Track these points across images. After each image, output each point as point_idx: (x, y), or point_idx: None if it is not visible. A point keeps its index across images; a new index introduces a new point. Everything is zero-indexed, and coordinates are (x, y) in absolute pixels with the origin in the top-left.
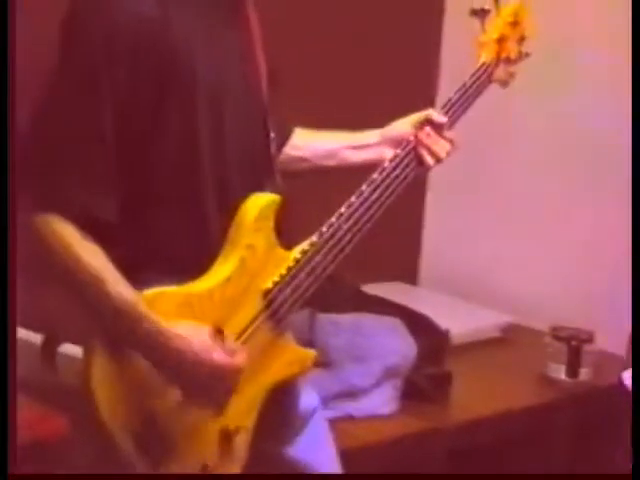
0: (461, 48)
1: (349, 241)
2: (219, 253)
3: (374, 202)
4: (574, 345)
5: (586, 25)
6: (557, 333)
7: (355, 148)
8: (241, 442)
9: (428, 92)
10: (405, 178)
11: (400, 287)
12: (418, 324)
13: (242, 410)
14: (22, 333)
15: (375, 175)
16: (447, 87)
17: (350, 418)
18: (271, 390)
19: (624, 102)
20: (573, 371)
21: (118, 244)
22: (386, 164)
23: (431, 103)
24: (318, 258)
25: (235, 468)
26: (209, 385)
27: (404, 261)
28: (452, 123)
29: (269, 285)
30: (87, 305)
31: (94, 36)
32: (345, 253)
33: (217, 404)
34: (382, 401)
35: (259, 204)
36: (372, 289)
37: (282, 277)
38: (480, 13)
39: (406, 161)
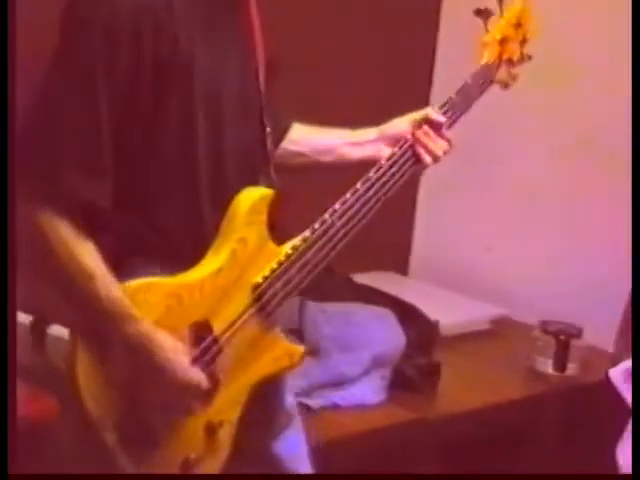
0: (456, 46)
1: (342, 238)
2: (211, 245)
3: (368, 200)
4: (562, 340)
5: (586, 24)
6: (546, 327)
7: (353, 145)
8: (225, 435)
9: (422, 90)
10: (401, 177)
11: (390, 277)
12: (408, 314)
13: (227, 403)
14: None
15: (371, 173)
16: (441, 84)
17: (337, 407)
18: (258, 384)
19: (624, 100)
20: (560, 365)
21: (110, 231)
22: (382, 162)
23: (425, 101)
24: (310, 254)
25: (218, 461)
26: (173, 398)
27: (395, 251)
28: (451, 123)
29: (259, 279)
30: (74, 299)
31: (94, 24)
32: (337, 250)
33: (173, 420)
34: (370, 390)
35: (252, 198)
36: (362, 278)
37: (272, 271)
38: (484, 13)
39: (403, 160)
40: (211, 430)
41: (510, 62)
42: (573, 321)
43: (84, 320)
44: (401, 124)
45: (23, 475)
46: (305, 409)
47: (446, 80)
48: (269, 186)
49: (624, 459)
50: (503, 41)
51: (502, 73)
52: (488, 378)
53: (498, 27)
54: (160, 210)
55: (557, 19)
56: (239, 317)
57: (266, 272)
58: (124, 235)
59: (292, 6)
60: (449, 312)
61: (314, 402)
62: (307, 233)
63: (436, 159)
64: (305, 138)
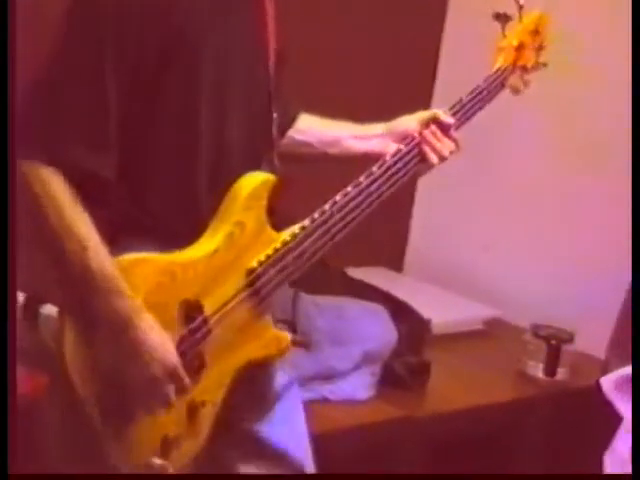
0: (461, 45)
1: (340, 230)
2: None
3: (370, 194)
4: (554, 344)
5: (586, 24)
6: (537, 331)
7: (359, 138)
8: (206, 416)
9: (424, 88)
10: (405, 174)
11: (385, 273)
12: (400, 311)
13: (211, 384)
14: None
15: (375, 168)
16: (444, 83)
17: (325, 401)
18: (243, 368)
19: (624, 99)
20: (551, 370)
21: (109, 204)
22: (387, 158)
23: (428, 99)
24: (307, 243)
25: (198, 441)
26: (151, 384)
27: (391, 247)
28: (460, 124)
29: (254, 264)
30: (64, 270)
31: (104, 2)
32: (335, 241)
33: (151, 407)
34: (359, 386)
35: (254, 182)
36: (357, 273)
37: (268, 257)
38: (502, 18)
39: (408, 157)
40: (193, 409)
41: (524, 69)
42: (565, 326)
43: (73, 293)
44: (409, 122)
45: (23, 475)
46: None
47: (449, 79)
48: (271, 172)
49: (611, 466)
50: (519, 47)
51: (515, 78)
52: (478, 379)
53: (516, 33)
54: (156, 191)
55: (557, 19)
56: (231, 300)
57: (262, 257)
58: (122, 213)
59: (296, 3)
60: (442, 311)
61: (303, 394)
62: (306, 222)
63: (442, 159)
64: (312, 128)
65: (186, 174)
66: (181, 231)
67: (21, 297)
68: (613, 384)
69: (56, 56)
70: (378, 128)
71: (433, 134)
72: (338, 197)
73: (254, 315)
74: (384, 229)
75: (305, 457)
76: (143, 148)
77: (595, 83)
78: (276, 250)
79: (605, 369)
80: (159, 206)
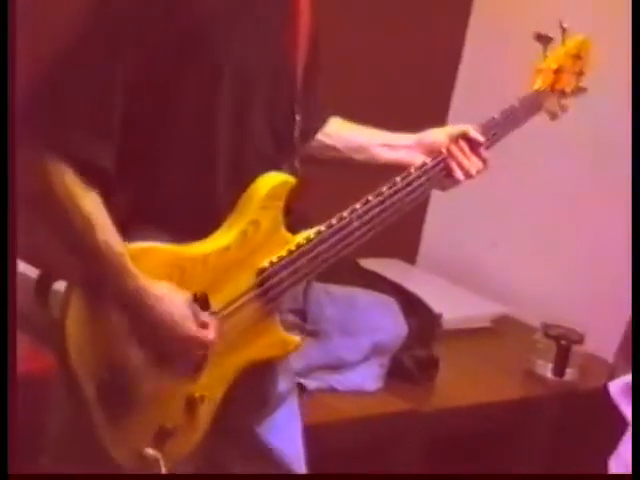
0: (482, 54)
1: (357, 238)
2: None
3: (390, 205)
4: (563, 344)
5: (585, 24)
6: (548, 331)
7: (387, 146)
8: (205, 412)
9: (443, 94)
10: (426, 189)
11: (398, 265)
12: (411, 305)
13: (212, 381)
14: (21, 266)
15: (398, 179)
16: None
17: (333, 390)
18: (246, 367)
19: (625, 99)
20: (559, 370)
21: (117, 194)
22: (412, 170)
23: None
24: (322, 248)
25: (194, 437)
26: (177, 353)
27: (405, 239)
28: (491, 143)
29: (265, 264)
30: (73, 247)
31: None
32: (350, 249)
33: (183, 373)
34: (367, 377)
35: (273, 182)
36: (369, 264)
37: (280, 259)
38: (544, 39)
39: (432, 172)
40: (192, 403)
41: (562, 93)
42: (575, 326)
43: (83, 273)
44: (439, 135)
45: (23, 475)
46: (300, 389)
47: (468, 88)
48: (292, 174)
49: (616, 470)
50: (558, 71)
51: (552, 102)
52: (486, 376)
53: (556, 56)
54: (174, 182)
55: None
56: (239, 298)
57: (274, 258)
58: (132, 202)
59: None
60: (452, 306)
61: (310, 383)
62: (323, 227)
63: (469, 176)
64: (340, 133)
65: (202, 170)
66: (194, 225)
67: (34, 274)
68: (620, 389)
69: (67, 50)
70: (407, 139)
71: (461, 150)
72: (358, 205)
73: (261, 315)
74: (399, 221)
75: (298, 467)
76: (154, 143)
77: (597, 83)
78: (290, 252)
79: (612, 373)
80: (177, 195)
